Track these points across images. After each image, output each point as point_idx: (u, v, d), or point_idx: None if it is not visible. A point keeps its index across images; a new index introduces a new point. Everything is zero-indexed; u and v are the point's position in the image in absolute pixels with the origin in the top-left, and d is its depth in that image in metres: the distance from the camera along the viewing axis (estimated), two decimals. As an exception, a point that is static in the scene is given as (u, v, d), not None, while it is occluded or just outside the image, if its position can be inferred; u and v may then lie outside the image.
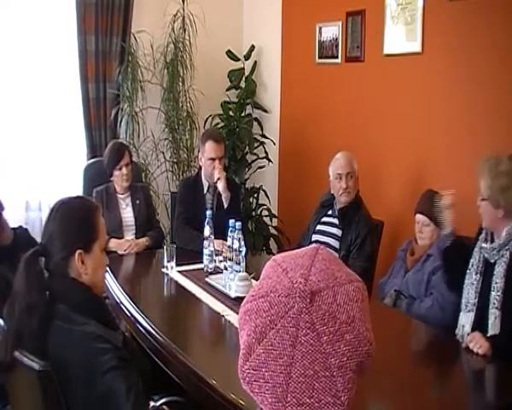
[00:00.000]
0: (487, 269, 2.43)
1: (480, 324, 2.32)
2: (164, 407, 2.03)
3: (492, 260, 2.40)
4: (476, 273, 2.46)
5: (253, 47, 4.92)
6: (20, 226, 2.88)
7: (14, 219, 2.85)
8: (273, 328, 0.83)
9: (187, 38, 4.56)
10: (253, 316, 0.86)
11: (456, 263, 2.61)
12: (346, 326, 0.83)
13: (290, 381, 0.81)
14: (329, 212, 3.46)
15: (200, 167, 3.73)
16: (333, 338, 0.82)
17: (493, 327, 2.31)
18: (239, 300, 2.56)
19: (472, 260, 2.49)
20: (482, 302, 2.40)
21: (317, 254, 0.89)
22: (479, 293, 2.43)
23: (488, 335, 2.27)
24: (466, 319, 2.45)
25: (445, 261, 2.66)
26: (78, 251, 1.68)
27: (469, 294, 2.46)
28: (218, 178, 3.53)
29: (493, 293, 2.33)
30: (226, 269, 2.82)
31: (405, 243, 3.13)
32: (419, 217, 2.97)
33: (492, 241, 2.43)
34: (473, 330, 2.35)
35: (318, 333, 0.82)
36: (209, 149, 3.58)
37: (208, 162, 3.59)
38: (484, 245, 2.43)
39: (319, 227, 3.47)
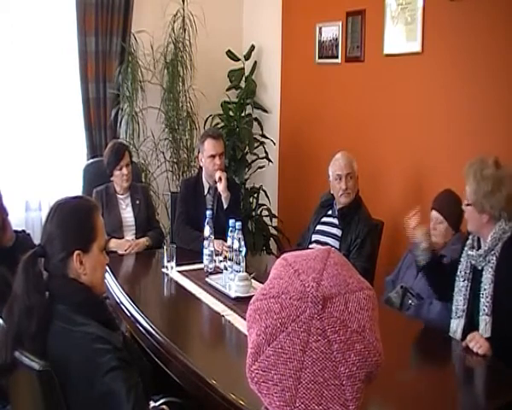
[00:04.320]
0: (475, 275, 2.42)
1: (470, 330, 2.31)
2: (164, 406, 2.02)
3: (480, 267, 2.38)
4: (464, 280, 2.45)
5: (253, 47, 4.92)
6: (23, 231, 2.89)
7: (14, 219, 2.84)
8: (284, 331, 0.82)
9: (187, 38, 4.56)
10: (264, 316, 0.85)
11: (438, 277, 2.61)
12: (356, 336, 0.82)
13: (299, 386, 0.81)
14: (329, 212, 3.46)
15: (201, 168, 3.72)
16: (343, 347, 0.81)
17: (484, 333, 2.29)
18: (239, 300, 2.57)
19: (460, 267, 2.48)
20: (471, 308, 2.40)
21: (328, 258, 0.88)
22: (467, 299, 2.43)
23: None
24: (456, 326, 2.45)
25: (426, 277, 2.66)
26: (77, 252, 1.68)
27: (458, 300, 2.46)
28: (220, 178, 3.53)
29: (482, 299, 2.32)
30: (226, 269, 2.82)
31: None
32: (433, 214, 2.96)
33: (479, 247, 2.41)
34: (464, 335, 2.34)
35: (329, 341, 0.81)
36: (208, 147, 3.57)
37: (208, 160, 3.57)
38: (470, 253, 2.42)
39: (319, 227, 3.46)
